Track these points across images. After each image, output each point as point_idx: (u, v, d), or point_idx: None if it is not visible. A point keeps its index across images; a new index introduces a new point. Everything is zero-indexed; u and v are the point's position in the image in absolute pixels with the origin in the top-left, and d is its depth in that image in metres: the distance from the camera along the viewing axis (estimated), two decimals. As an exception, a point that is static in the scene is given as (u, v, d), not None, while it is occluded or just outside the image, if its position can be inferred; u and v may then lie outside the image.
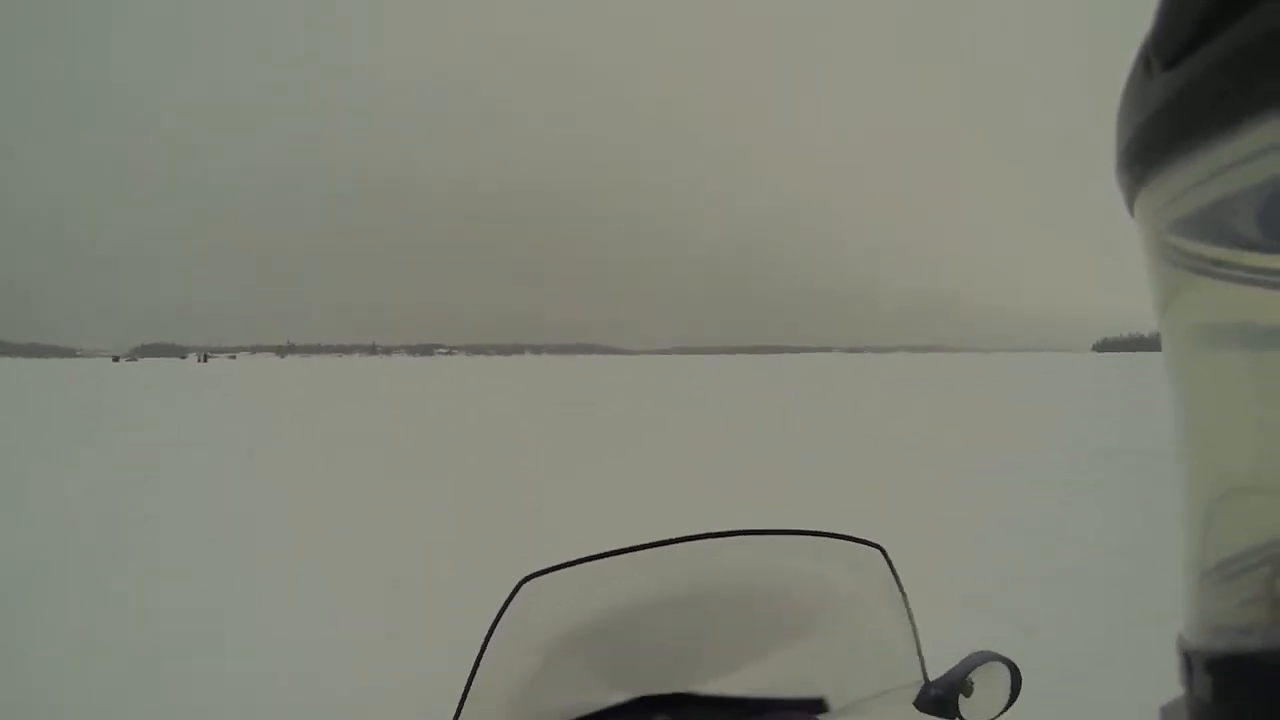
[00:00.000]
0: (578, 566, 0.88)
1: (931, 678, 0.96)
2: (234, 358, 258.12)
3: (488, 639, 0.86)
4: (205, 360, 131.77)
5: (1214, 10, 0.27)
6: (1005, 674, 0.90)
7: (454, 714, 0.85)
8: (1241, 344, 0.31)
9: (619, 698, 0.97)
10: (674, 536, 0.90)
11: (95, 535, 6.11)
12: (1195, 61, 0.28)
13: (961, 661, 0.89)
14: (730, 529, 0.92)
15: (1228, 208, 0.29)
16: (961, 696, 0.91)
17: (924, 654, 0.94)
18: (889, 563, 0.96)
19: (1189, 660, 0.32)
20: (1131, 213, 0.35)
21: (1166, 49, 0.30)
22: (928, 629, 0.99)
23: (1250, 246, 0.29)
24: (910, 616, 0.95)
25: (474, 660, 0.84)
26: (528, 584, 0.87)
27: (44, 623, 4.20)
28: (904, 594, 0.96)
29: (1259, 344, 0.30)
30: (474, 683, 0.85)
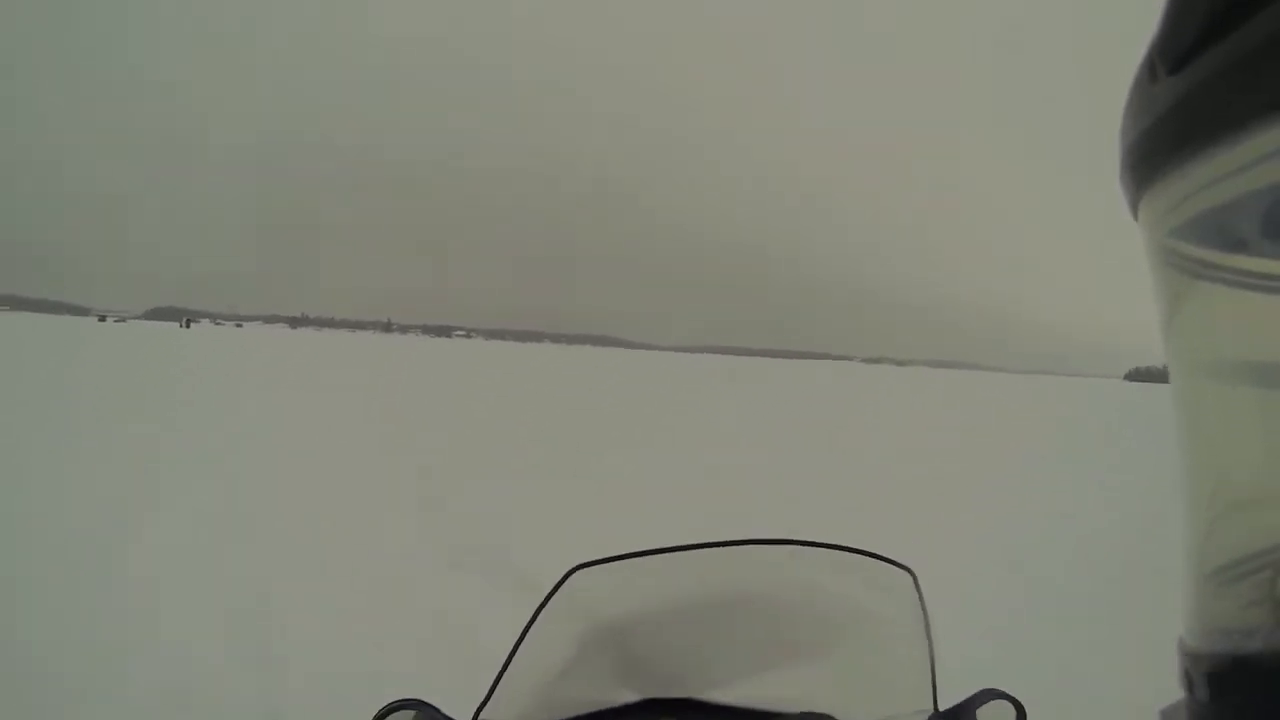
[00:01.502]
0: (624, 561, 0.90)
1: (941, 707, 0.96)
2: (240, 326, 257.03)
3: (530, 623, 0.87)
4: (188, 326, 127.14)
5: (1219, 15, 0.27)
6: (1012, 713, 0.91)
7: (487, 692, 0.88)
8: (1245, 350, 0.32)
9: (629, 697, 0.99)
10: (711, 540, 0.91)
11: (87, 499, 6.24)
12: (1200, 66, 0.28)
13: (970, 697, 0.90)
14: (765, 537, 0.93)
15: (1231, 213, 0.29)
16: None
17: (938, 681, 0.95)
18: (917, 587, 0.97)
19: (1189, 663, 0.33)
20: (1135, 217, 0.35)
21: (1171, 54, 0.30)
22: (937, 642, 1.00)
23: (1254, 252, 0.29)
24: (930, 643, 0.96)
25: (514, 642, 0.85)
26: (576, 574, 0.88)
27: (36, 584, 4.32)
28: (928, 620, 0.96)
29: (1263, 352, 0.31)
30: (509, 667, 0.86)
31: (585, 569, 0.89)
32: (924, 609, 0.96)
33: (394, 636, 3.88)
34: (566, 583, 0.88)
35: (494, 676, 0.87)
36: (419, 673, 3.47)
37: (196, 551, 5.02)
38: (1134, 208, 0.35)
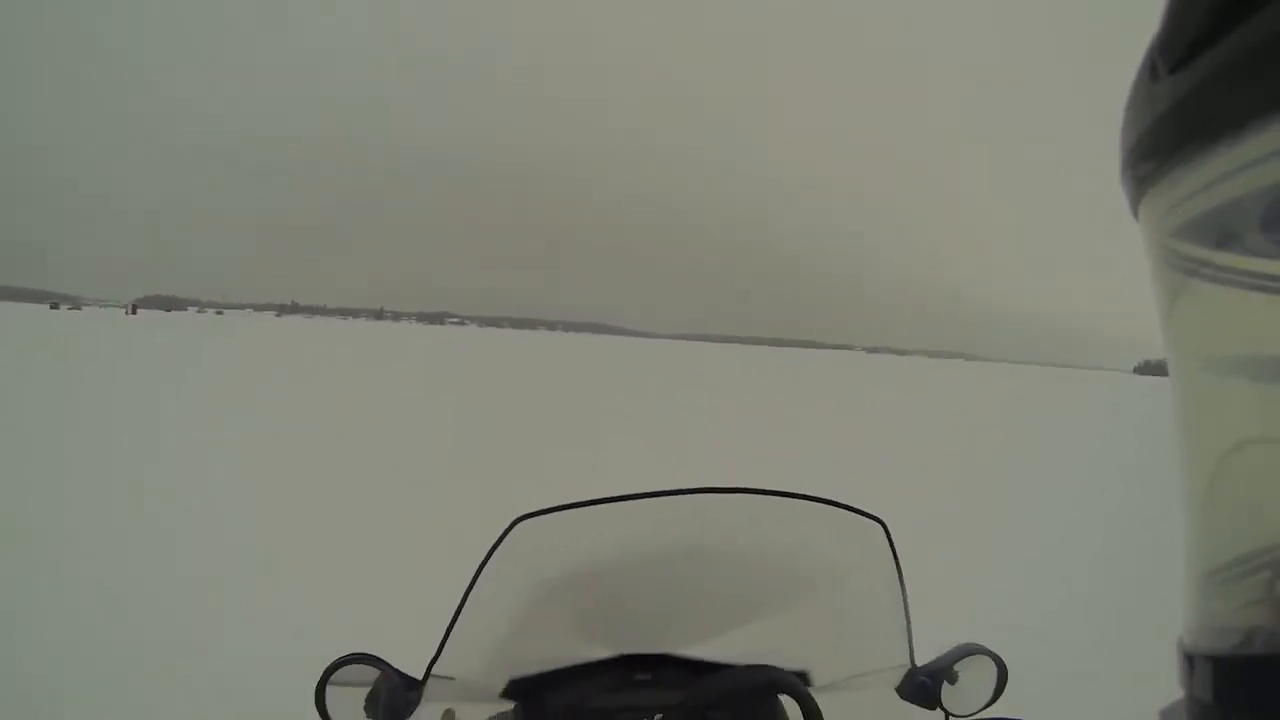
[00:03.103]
0: (572, 511, 0.88)
1: (919, 664, 0.95)
2: (221, 313, 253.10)
3: (476, 577, 0.86)
4: (134, 313, 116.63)
5: (1220, 14, 0.28)
6: (992, 668, 0.90)
7: (436, 650, 0.86)
8: (1245, 349, 0.32)
9: (601, 653, 0.98)
10: (672, 489, 0.89)
11: (80, 490, 6.25)
12: (1201, 65, 0.29)
13: (950, 650, 0.89)
14: (732, 486, 0.91)
15: (1232, 212, 0.29)
16: (946, 684, 0.92)
17: (914, 639, 0.94)
18: (889, 539, 0.95)
19: (1190, 663, 0.33)
20: (1136, 216, 0.36)
21: (1172, 53, 0.30)
22: (925, 628, 0.98)
23: (1254, 252, 0.29)
24: (904, 598, 0.94)
25: (461, 597, 0.84)
26: (520, 525, 0.86)
27: (35, 578, 4.32)
28: (900, 573, 0.95)
29: (1263, 353, 0.31)
30: (458, 621, 0.85)
31: (531, 519, 0.87)
32: (896, 561, 0.94)
33: (385, 624, 3.85)
34: (511, 534, 0.86)
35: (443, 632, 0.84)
36: (410, 655, 3.46)
37: (181, 544, 4.99)
38: (1135, 208, 0.36)
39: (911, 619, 0.94)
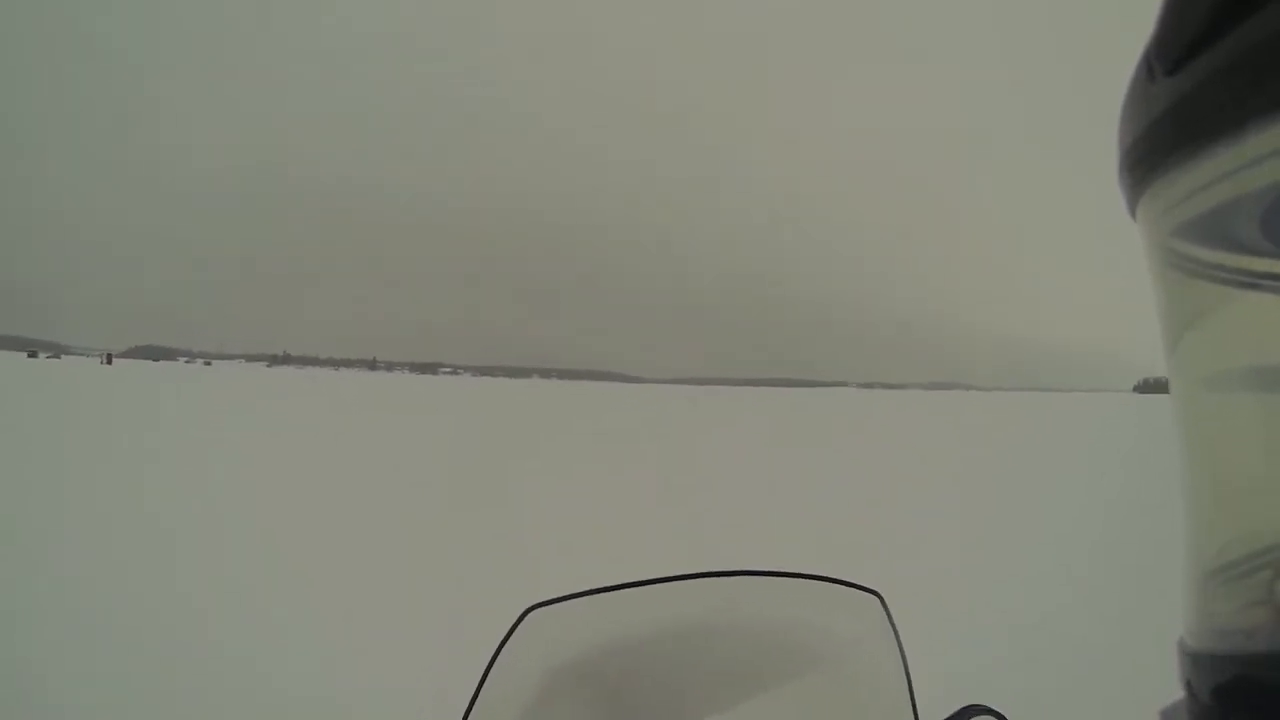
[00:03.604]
0: (582, 599, 0.92)
1: None
2: (209, 364, 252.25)
3: (489, 669, 0.88)
4: (110, 363, 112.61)
5: (1217, 15, 0.28)
6: None
7: None
8: (1245, 349, 0.32)
9: None
10: (678, 574, 0.93)
11: (60, 537, 6.36)
12: (1198, 66, 0.29)
13: (953, 713, 0.90)
14: (731, 569, 0.96)
15: (1231, 213, 0.30)
16: None
17: (917, 699, 0.97)
18: (886, 610, 0.99)
19: (1190, 663, 0.34)
20: (1133, 217, 0.36)
21: (1169, 54, 0.31)
22: (930, 656, 1.01)
23: (1253, 252, 0.30)
24: (905, 665, 0.97)
25: (474, 689, 0.87)
26: (532, 614, 0.90)
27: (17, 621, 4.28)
28: (900, 642, 0.98)
29: (1265, 357, 0.31)
30: (472, 712, 0.88)
31: (543, 608, 0.90)
32: (895, 630, 0.98)
33: (377, 675, 3.85)
34: (524, 623, 0.90)
35: None
36: (408, 709, 3.43)
37: (172, 598, 4.94)
38: (1132, 208, 0.36)
39: (913, 677, 0.96)
